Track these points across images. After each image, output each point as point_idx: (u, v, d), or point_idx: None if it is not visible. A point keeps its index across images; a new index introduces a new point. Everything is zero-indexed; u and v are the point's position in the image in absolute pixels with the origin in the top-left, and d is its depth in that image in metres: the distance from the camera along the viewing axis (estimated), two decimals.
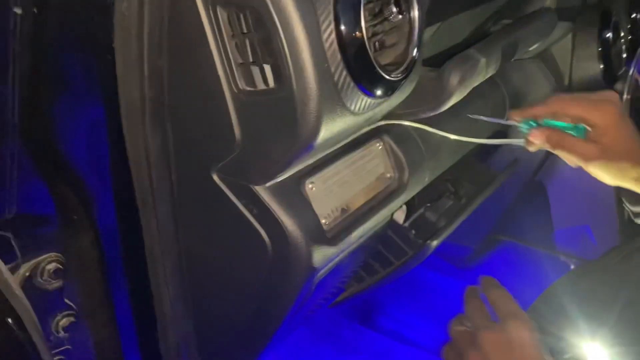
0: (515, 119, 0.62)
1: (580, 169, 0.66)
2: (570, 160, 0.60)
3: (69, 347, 0.61)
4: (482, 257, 1.28)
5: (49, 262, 0.58)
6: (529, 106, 0.62)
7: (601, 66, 0.98)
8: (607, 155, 0.58)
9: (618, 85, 1.08)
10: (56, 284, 0.59)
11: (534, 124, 0.61)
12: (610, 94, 0.61)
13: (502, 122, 0.63)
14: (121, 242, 0.61)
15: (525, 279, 1.32)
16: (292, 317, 0.61)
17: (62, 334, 0.60)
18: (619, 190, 0.67)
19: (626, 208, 0.69)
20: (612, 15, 1.01)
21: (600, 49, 0.98)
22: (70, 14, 0.48)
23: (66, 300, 0.61)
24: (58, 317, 0.60)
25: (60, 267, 0.59)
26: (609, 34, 0.98)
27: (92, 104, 0.53)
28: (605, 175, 0.60)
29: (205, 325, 0.63)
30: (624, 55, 1.04)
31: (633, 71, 1.09)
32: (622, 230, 1.14)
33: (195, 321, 0.64)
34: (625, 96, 1.09)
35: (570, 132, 0.59)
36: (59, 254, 0.59)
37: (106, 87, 0.51)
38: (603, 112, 0.58)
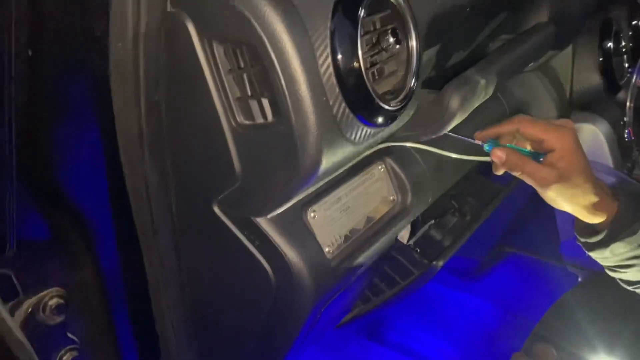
0: (478, 138, 0.62)
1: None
2: (529, 182, 0.60)
3: None
4: (489, 269, 1.27)
5: (51, 298, 0.58)
6: (494, 126, 0.62)
7: (602, 76, 0.97)
8: (563, 180, 0.58)
9: (621, 94, 1.07)
10: (59, 319, 0.59)
11: (496, 144, 0.60)
12: (567, 122, 0.61)
13: (469, 140, 0.62)
14: (123, 274, 0.60)
15: (533, 290, 1.31)
16: (297, 345, 0.61)
17: None
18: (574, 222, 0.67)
19: (578, 240, 0.69)
20: (613, 24, 1.00)
21: (601, 59, 0.97)
22: (66, 53, 0.48)
23: (69, 335, 0.60)
24: (61, 352, 0.60)
25: (63, 302, 0.59)
26: (610, 44, 0.98)
27: (90, 139, 0.53)
28: (560, 200, 0.60)
29: (209, 358, 0.63)
30: (626, 65, 1.04)
31: (635, 79, 1.09)
32: None
33: (200, 353, 0.63)
34: (628, 104, 1.08)
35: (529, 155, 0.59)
36: (61, 289, 0.59)
37: (104, 123, 0.51)
38: (562, 136, 0.58)
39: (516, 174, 0.60)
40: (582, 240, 0.67)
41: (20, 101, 0.48)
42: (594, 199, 0.60)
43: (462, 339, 1.27)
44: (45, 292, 0.57)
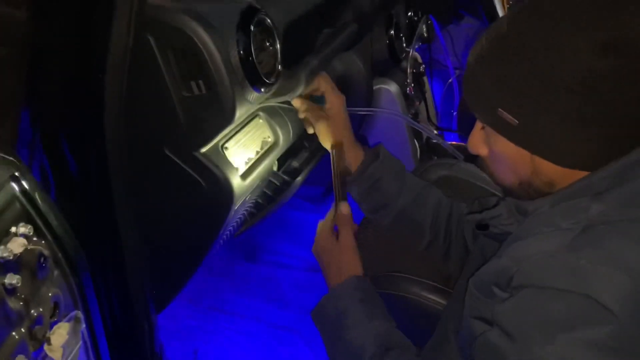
0: (296, 99, 0.98)
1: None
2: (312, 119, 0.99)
3: None
4: (331, 193, 1.74)
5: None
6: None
7: (389, 53, 1.47)
8: (329, 121, 0.98)
9: (403, 64, 1.59)
10: None
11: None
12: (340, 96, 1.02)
13: (288, 102, 1.02)
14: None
15: None
16: (222, 232, 0.97)
17: None
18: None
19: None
20: (394, 17, 1.50)
21: (387, 41, 1.47)
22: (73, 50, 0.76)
23: None
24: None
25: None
26: (392, 31, 1.48)
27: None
28: (325, 133, 0.99)
29: (161, 249, 0.95)
30: (404, 45, 1.55)
31: (412, 52, 1.62)
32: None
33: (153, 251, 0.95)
34: (409, 70, 1.61)
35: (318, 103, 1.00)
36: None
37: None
38: (337, 96, 0.99)
39: (302, 114, 0.99)
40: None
41: None
42: (347, 139, 1.00)
43: None
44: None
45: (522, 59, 0.64)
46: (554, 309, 0.59)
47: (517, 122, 0.67)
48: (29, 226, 0.59)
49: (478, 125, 0.77)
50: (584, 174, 0.67)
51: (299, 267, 1.74)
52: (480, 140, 0.77)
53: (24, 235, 0.58)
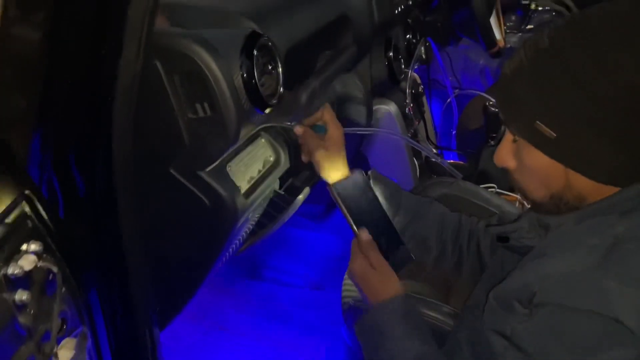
0: (298, 127, 0.99)
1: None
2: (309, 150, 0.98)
3: None
4: (332, 211, 1.75)
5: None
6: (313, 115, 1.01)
7: (388, 74, 1.50)
8: (327, 151, 0.97)
9: (402, 84, 1.63)
10: None
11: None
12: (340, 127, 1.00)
13: (289, 125, 1.03)
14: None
15: None
16: (225, 250, 0.99)
17: None
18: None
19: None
20: (392, 40, 1.54)
21: (387, 63, 1.50)
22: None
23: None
24: None
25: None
26: (391, 53, 1.51)
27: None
28: (321, 162, 0.97)
29: (165, 266, 0.97)
30: (403, 66, 1.59)
31: (411, 73, 1.66)
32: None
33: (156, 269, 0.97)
34: (407, 90, 1.64)
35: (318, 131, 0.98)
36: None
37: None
38: (338, 127, 0.99)
39: (302, 141, 0.98)
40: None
41: None
42: (342, 171, 0.98)
43: (319, 264, 1.75)
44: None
45: (565, 72, 0.65)
46: (579, 330, 0.59)
47: (554, 135, 0.67)
48: (39, 243, 0.61)
49: (508, 137, 0.76)
50: (615, 189, 0.68)
51: (300, 284, 1.75)
52: (509, 153, 0.76)
53: (35, 253, 0.60)
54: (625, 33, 0.64)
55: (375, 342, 0.83)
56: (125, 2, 0.60)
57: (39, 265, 0.60)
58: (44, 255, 0.62)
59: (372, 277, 0.87)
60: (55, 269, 0.64)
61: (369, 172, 1.05)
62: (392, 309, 0.83)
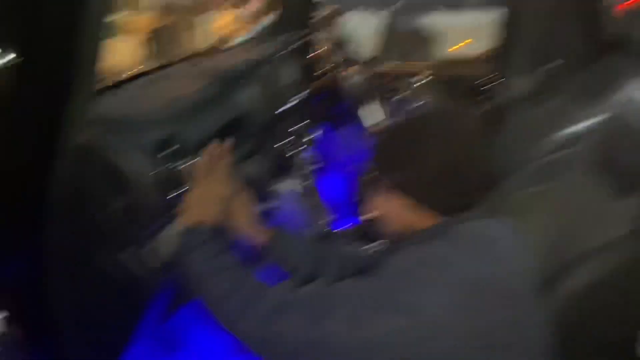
0: None
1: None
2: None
3: None
4: None
5: None
6: None
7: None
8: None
9: (297, 165, 1.90)
10: None
11: None
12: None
13: None
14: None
15: None
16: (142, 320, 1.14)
17: None
18: None
19: None
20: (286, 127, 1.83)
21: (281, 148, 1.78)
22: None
23: None
24: None
25: None
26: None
27: None
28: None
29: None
30: (298, 148, 1.88)
31: (304, 155, 1.94)
32: None
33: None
34: (303, 170, 1.91)
35: None
36: None
37: None
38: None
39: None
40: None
41: None
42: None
43: None
44: None
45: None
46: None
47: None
48: None
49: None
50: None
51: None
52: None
53: None
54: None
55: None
56: None
57: None
58: None
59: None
60: None
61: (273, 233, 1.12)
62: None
